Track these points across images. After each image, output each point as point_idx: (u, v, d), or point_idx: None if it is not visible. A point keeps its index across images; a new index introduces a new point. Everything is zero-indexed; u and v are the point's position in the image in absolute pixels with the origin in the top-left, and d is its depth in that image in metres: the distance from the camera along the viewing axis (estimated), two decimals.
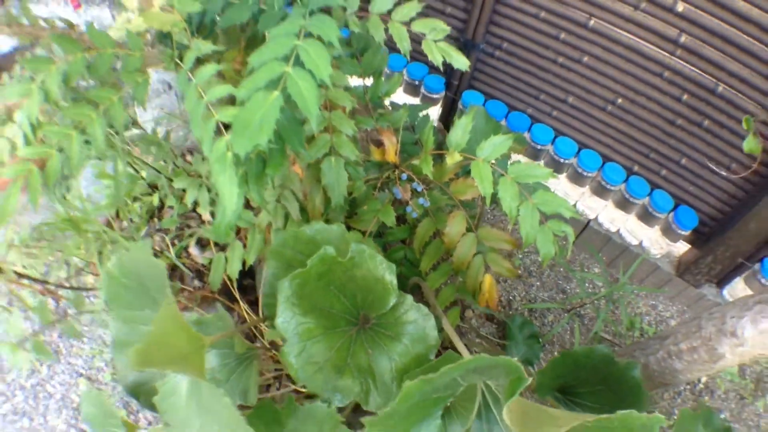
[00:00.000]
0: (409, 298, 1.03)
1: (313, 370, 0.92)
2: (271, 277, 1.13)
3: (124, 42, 1.13)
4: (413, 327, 1.01)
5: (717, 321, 1.21)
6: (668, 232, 1.95)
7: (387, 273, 0.99)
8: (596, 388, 1.01)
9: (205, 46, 1.07)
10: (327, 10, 1.20)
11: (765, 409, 1.90)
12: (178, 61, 1.11)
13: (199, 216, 1.79)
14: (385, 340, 1.01)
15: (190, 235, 1.65)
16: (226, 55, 1.28)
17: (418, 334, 1.00)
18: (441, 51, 1.21)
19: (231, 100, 1.02)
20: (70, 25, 1.22)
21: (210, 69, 1.01)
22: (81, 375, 1.96)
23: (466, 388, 0.85)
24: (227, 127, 0.95)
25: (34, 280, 1.23)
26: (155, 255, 1.56)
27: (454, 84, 2.09)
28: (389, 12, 1.23)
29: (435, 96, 2.11)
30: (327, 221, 1.43)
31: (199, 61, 1.08)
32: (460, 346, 0.99)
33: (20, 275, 1.17)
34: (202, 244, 1.76)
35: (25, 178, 1.06)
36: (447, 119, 2.22)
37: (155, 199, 1.75)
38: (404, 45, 1.22)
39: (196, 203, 1.57)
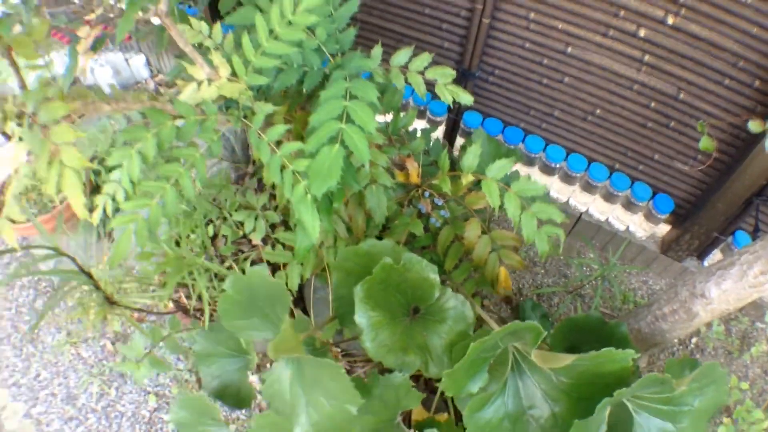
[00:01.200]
0: (449, 290, 1.32)
1: (385, 351, 1.22)
2: (335, 286, 1.43)
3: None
4: (454, 311, 1.31)
5: (689, 286, 1.51)
6: (650, 216, 2.23)
7: (431, 273, 1.29)
8: (594, 345, 1.31)
9: (266, 107, 1.37)
10: None
11: (752, 360, 2.20)
12: (245, 121, 1.40)
13: (250, 241, 2.09)
14: (434, 324, 1.31)
15: (245, 259, 1.94)
16: (279, 110, 1.58)
17: (458, 316, 1.29)
18: (450, 92, 1.51)
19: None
20: (153, 98, 1.51)
21: (279, 129, 1.29)
22: (148, 392, 2.24)
23: (500, 353, 1.16)
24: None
25: (135, 309, 1.52)
26: None
27: (455, 107, 2.39)
28: (406, 64, 1.54)
29: (439, 119, 2.38)
30: (366, 236, 1.73)
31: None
32: (491, 322, 1.29)
33: (126, 307, 1.46)
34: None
35: (133, 226, 1.34)
36: (450, 136, 2.49)
37: (210, 230, 2.05)
38: (421, 90, 1.52)
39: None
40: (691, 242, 2.16)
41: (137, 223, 1.33)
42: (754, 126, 1.42)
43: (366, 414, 1.19)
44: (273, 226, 1.89)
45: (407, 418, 1.60)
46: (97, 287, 1.35)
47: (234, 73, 1.36)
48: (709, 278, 1.44)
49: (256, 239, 1.88)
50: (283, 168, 1.25)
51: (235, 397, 1.66)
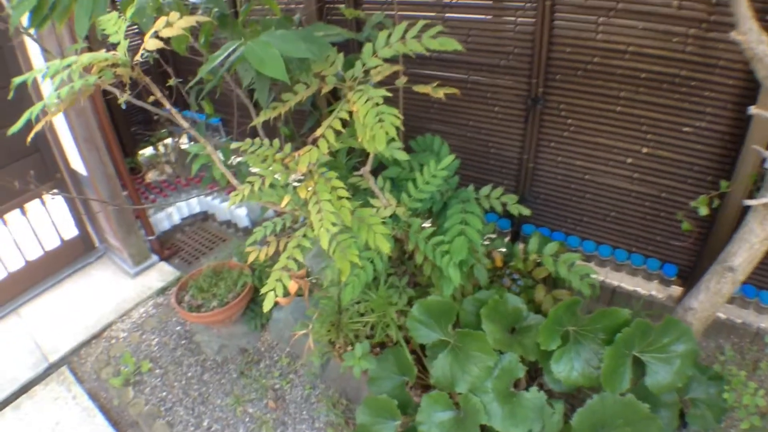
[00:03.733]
0: (531, 313, 2.28)
1: (501, 345, 2.09)
2: (463, 317, 2.37)
3: None
4: (536, 325, 2.25)
5: (682, 306, 2.39)
6: (662, 281, 3.05)
7: (520, 303, 2.26)
8: None
9: (418, 221, 2.42)
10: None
11: (764, 375, 2.89)
12: (406, 229, 2.46)
13: None
14: (526, 333, 2.23)
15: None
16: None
17: (538, 326, 2.24)
18: (517, 209, 2.55)
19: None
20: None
21: (429, 230, 2.33)
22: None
23: (563, 333, 2.09)
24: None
25: (353, 330, 2.52)
26: None
27: (515, 221, 3.41)
28: (489, 194, 2.60)
29: (506, 231, 3.39)
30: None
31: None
32: None
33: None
34: None
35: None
36: (514, 239, 3.47)
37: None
38: (499, 210, 2.56)
39: None
40: None
41: (359, 278, 2.33)
42: (703, 210, 2.41)
43: (496, 379, 2.11)
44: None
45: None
46: (339, 312, 2.38)
47: (399, 202, 2.43)
48: (691, 297, 2.34)
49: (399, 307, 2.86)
50: (433, 250, 2.30)
51: (403, 407, 2.46)
